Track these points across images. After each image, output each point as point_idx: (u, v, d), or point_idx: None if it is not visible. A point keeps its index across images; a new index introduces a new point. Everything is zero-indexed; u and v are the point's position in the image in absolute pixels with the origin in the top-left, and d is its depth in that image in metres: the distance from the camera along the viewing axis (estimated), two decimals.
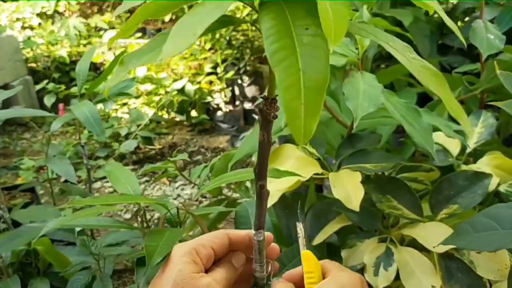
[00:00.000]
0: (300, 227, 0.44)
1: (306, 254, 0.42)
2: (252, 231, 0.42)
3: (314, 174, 0.65)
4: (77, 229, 0.89)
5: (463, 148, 0.74)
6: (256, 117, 0.36)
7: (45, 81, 2.98)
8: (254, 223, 0.41)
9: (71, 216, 0.55)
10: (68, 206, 0.62)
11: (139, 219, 0.73)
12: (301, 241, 0.44)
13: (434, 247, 0.55)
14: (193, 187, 2.07)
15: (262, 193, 0.40)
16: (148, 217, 1.35)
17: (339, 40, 0.22)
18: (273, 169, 0.60)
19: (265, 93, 0.34)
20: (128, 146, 2.37)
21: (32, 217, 0.87)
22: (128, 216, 1.89)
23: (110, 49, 3.21)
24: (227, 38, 2.92)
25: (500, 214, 0.48)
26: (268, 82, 0.34)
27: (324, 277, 0.41)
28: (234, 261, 0.43)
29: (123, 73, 0.28)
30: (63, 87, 2.93)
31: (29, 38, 3.20)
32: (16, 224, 0.89)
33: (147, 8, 0.28)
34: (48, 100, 2.71)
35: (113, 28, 3.50)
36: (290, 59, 0.22)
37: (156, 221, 1.64)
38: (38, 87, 2.99)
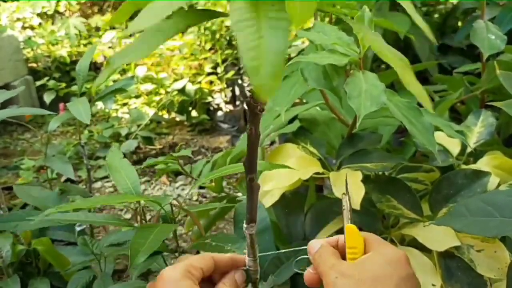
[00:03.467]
0: (345, 200, 0.43)
1: (349, 228, 0.41)
2: (244, 225, 0.42)
3: (315, 173, 0.65)
4: (78, 228, 0.89)
5: (463, 148, 0.74)
6: None
7: (46, 78, 2.98)
8: (246, 217, 0.42)
9: (66, 207, 0.55)
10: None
11: (138, 217, 0.73)
12: (346, 214, 0.43)
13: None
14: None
15: (252, 186, 0.39)
16: (148, 216, 1.35)
17: (303, 23, 0.24)
18: (265, 162, 0.60)
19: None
20: (129, 146, 2.36)
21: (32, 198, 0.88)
22: (128, 216, 1.89)
23: (110, 47, 3.21)
24: (227, 38, 2.92)
25: (499, 201, 0.47)
26: None
27: (366, 251, 0.40)
28: (237, 278, 0.44)
29: (109, 73, 0.29)
30: (63, 84, 2.93)
31: (29, 38, 3.20)
32: None
33: None
34: (48, 97, 2.69)
35: (114, 28, 3.50)
36: (254, 27, 0.24)
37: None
38: (38, 83, 2.98)
